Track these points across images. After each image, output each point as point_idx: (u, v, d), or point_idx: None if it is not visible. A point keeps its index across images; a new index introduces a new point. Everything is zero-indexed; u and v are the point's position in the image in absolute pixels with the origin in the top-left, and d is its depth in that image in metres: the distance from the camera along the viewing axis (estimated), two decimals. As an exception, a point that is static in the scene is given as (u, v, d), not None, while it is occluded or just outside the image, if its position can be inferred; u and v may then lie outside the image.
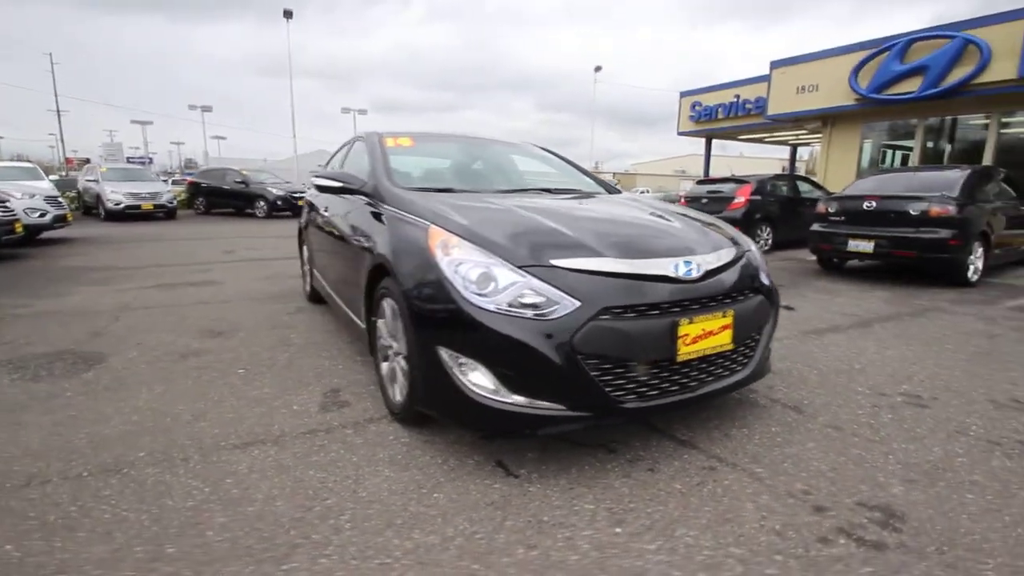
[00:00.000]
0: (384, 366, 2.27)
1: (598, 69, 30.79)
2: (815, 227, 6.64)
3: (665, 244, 1.88)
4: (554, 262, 1.68)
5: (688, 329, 1.70)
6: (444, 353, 1.68)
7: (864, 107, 11.65)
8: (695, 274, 1.80)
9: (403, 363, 2.01)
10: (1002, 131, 10.19)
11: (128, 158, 44.02)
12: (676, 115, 18.85)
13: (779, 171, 23.53)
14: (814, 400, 2.40)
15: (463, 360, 1.65)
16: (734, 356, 1.91)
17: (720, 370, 1.88)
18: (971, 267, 5.68)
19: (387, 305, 2.10)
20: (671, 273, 1.76)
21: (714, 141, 19.38)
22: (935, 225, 5.60)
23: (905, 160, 13.06)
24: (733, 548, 1.38)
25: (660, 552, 1.36)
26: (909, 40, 10.28)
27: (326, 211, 3.26)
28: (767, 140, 20.49)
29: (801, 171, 25.69)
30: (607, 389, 1.62)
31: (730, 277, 1.92)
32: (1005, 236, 6.23)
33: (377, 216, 2.40)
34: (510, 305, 1.60)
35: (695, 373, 1.80)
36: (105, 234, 9.74)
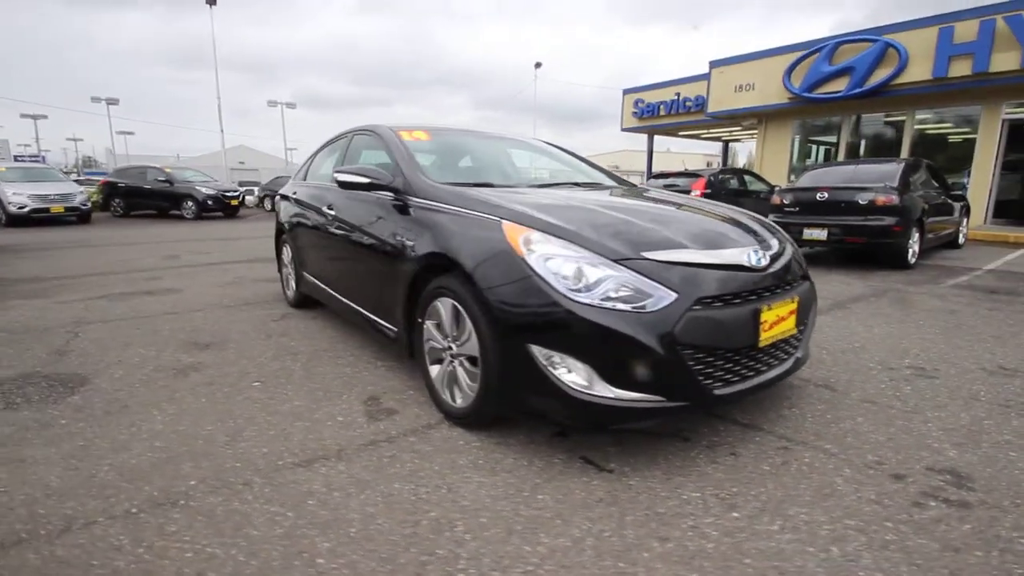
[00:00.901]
0: (435, 369, 2.19)
1: (538, 66, 31.17)
2: (772, 218, 7.12)
3: (733, 234, 1.95)
4: (645, 255, 1.68)
5: (767, 315, 1.77)
6: (537, 351, 1.64)
7: (796, 105, 12.62)
8: (764, 262, 1.88)
9: (467, 365, 1.95)
10: (916, 127, 11.41)
11: (16, 156, 39.16)
12: (609, 112, 19.63)
13: (703, 165, 25.02)
14: (839, 378, 2.58)
15: (559, 357, 1.62)
16: (793, 340, 2.02)
17: (783, 354, 1.97)
18: (910, 251, 6.32)
19: (443, 305, 2.02)
20: (746, 262, 1.82)
21: (645, 137, 20.22)
22: (881, 213, 6.18)
23: (828, 155, 14.31)
24: (847, 520, 1.46)
25: (785, 531, 1.42)
26: (837, 43, 11.25)
27: (329, 210, 3.07)
28: (704, 136, 21.67)
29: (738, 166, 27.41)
30: (699, 378, 1.66)
31: (788, 264, 2.02)
32: (933, 222, 6.99)
33: (410, 213, 2.31)
34: (608, 299, 1.59)
35: (767, 358, 1.88)
36: (14, 242, 8.62)
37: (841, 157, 12.73)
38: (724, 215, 2.22)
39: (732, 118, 14.92)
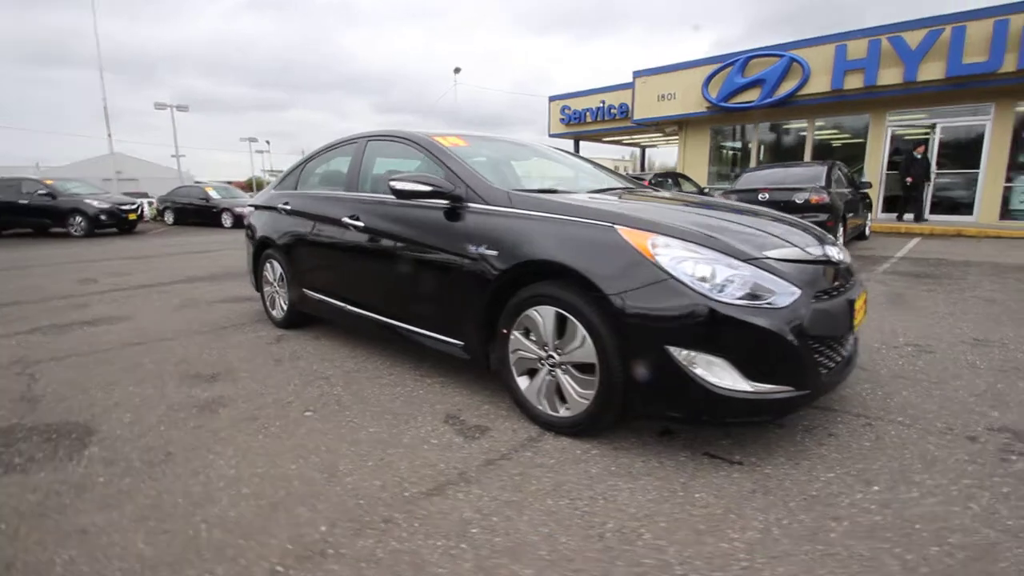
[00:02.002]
0: (524, 381, 2.15)
1: (457, 71, 31.23)
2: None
3: (811, 232, 2.13)
4: (766, 254, 1.80)
5: (857, 305, 1.96)
6: (676, 352, 1.68)
7: (714, 113, 13.80)
8: (840, 257, 2.08)
9: (575, 373, 1.94)
10: (815, 134, 12.96)
11: None
12: (520, 116, 20.66)
13: (611, 169, 26.59)
14: (860, 360, 2.89)
15: (699, 356, 1.67)
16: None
17: (853, 341, 2.19)
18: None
19: (540, 314, 2.00)
20: (833, 257, 2.00)
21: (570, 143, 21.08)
22: (815, 210, 6.96)
23: (735, 160, 15.80)
24: (965, 480, 1.66)
25: (926, 497, 1.58)
26: (748, 57, 12.48)
27: (353, 220, 2.88)
28: (626, 142, 22.98)
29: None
30: (818, 367, 1.79)
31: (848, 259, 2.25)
32: (851, 217, 7.99)
33: (475, 221, 2.25)
34: (744, 297, 1.67)
35: (850, 346, 2.07)
36: None
37: (752, 162, 14.11)
38: (777, 216, 2.41)
39: (656, 125, 15.98)
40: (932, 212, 11.00)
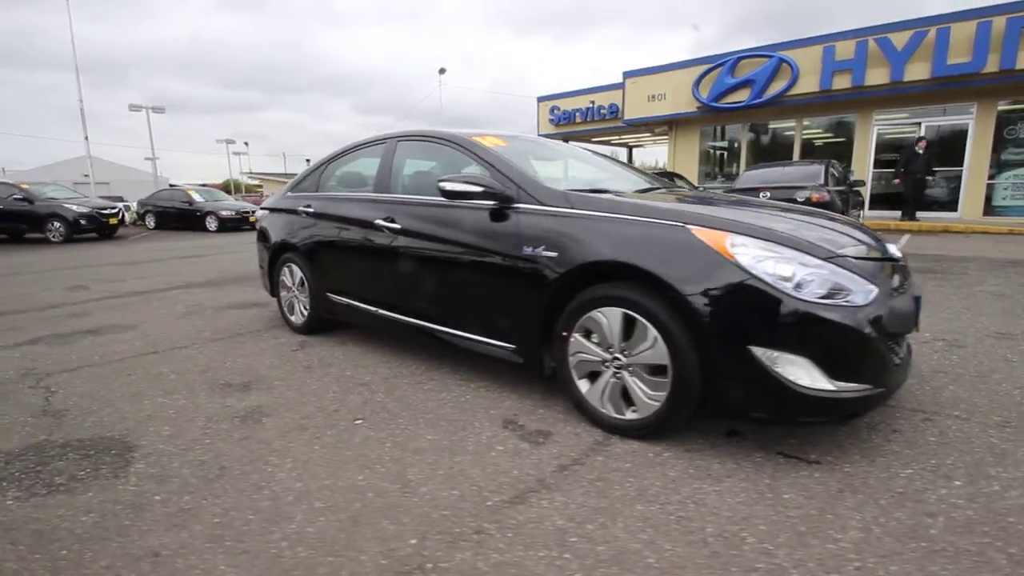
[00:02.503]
0: (584, 384, 2.12)
1: (442, 71, 31.08)
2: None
3: (868, 231, 2.15)
4: (842, 252, 1.80)
5: (920, 303, 1.98)
6: (759, 352, 1.67)
7: (705, 113, 13.98)
8: (899, 254, 2.10)
9: (644, 375, 1.92)
10: (803, 133, 13.22)
11: None
12: (501, 116, 20.66)
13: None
14: (896, 354, 2.93)
15: (782, 355, 1.67)
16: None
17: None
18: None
19: (606, 316, 1.97)
20: (895, 255, 2.02)
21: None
22: (817, 207, 7.09)
23: (721, 158, 16.04)
24: (1045, 474, 1.68)
25: (1008, 490, 1.60)
26: (738, 58, 12.67)
27: (389, 223, 2.81)
28: (614, 142, 23.13)
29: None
30: (892, 365, 1.80)
31: (901, 255, 2.27)
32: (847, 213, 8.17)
33: (528, 223, 2.22)
34: (827, 296, 1.67)
35: (906, 344, 2.09)
36: None
37: (743, 161, 14.34)
38: (829, 215, 2.43)
39: (647, 125, 16.13)
40: (906, 204, 11.25)
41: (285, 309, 3.85)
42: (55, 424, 2.32)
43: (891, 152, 11.91)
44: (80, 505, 1.68)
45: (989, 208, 10.69)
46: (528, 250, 2.18)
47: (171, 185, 23.05)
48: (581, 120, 18.26)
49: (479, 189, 2.28)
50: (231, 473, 1.85)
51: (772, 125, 13.83)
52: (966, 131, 10.74)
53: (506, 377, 2.69)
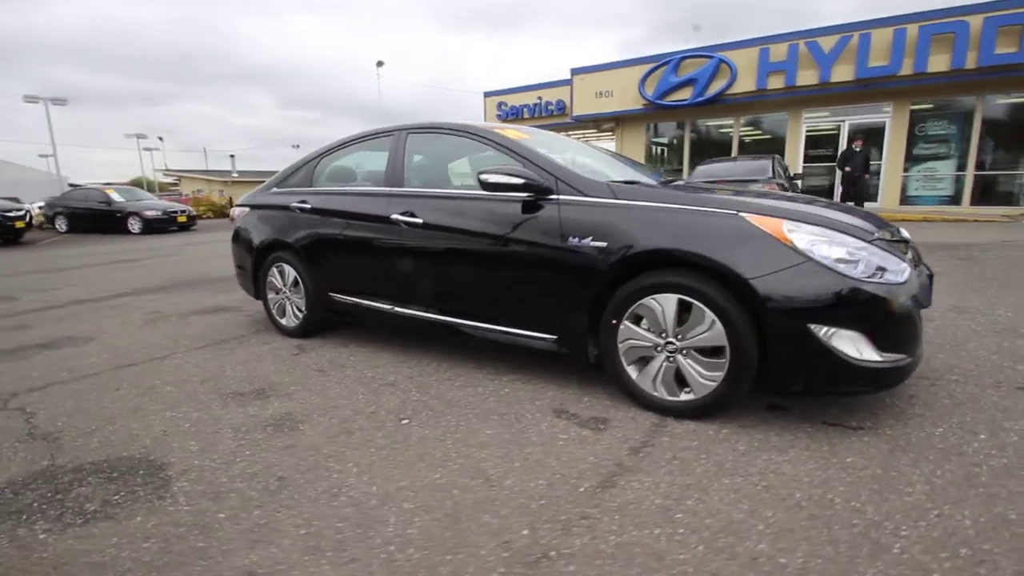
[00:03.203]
0: (631, 369, 2.19)
1: (380, 64, 30.27)
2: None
3: (877, 217, 2.36)
4: (877, 235, 1.97)
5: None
6: (817, 329, 1.81)
7: (650, 111, 14.56)
8: (909, 236, 2.32)
9: (699, 357, 2.01)
10: (741, 131, 14.10)
11: None
12: (431, 111, 20.49)
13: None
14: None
15: (838, 331, 1.81)
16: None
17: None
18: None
19: (660, 302, 2.04)
20: (906, 237, 2.24)
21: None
22: (768, 200, 7.61)
23: (662, 154, 16.81)
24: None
25: (1030, 441, 1.83)
26: (681, 57, 13.29)
27: (408, 217, 2.73)
28: (559, 137, 23.49)
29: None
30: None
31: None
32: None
33: (567, 214, 2.25)
34: (870, 276, 1.83)
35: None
36: None
37: (685, 157, 15.07)
38: (834, 203, 2.64)
39: (595, 121, 16.55)
40: (842, 200, 12.40)
41: (274, 312, 3.64)
42: (53, 448, 2.09)
43: (818, 148, 12.98)
44: (133, 532, 1.54)
45: (904, 198, 11.92)
46: (574, 241, 2.21)
47: (71, 185, 20.84)
48: (529, 116, 18.44)
49: (520, 181, 2.28)
50: (293, 483, 1.76)
51: (713, 122, 14.63)
52: (883, 128, 11.90)
53: (535, 369, 2.71)
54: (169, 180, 51.65)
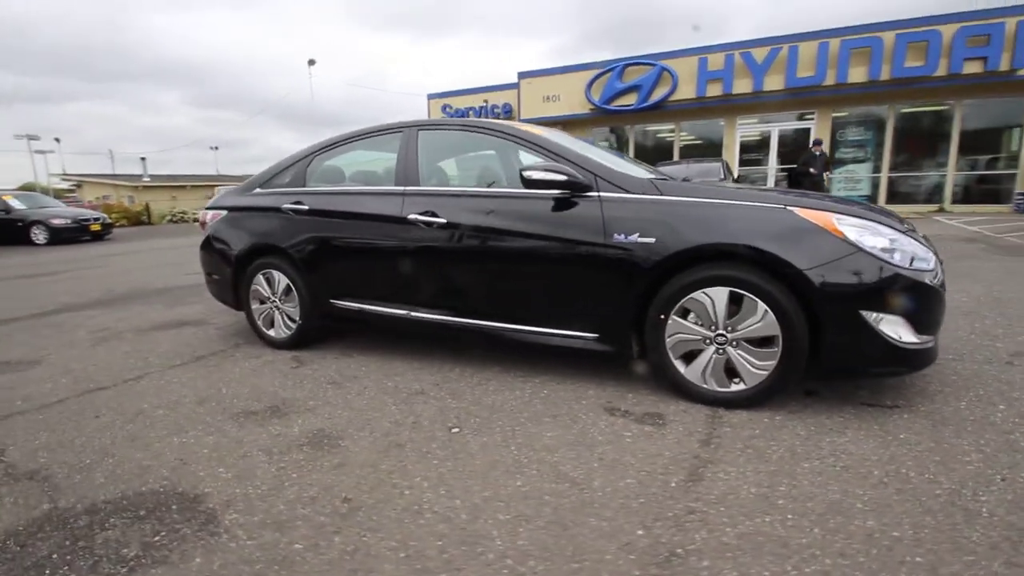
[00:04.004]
0: (678, 364, 2.22)
1: (312, 63, 29.06)
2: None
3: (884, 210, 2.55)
4: (903, 227, 2.12)
5: (937, 265, 2.42)
6: (867, 314, 1.92)
7: (597, 115, 14.98)
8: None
9: (749, 347, 2.07)
10: (681, 136, 14.84)
11: None
12: (356, 114, 20.20)
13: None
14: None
15: (884, 316, 1.93)
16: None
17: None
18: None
19: (710, 295, 2.09)
20: (915, 229, 2.44)
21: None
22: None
23: None
24: (1047, 392, 2.17)
25: (1042, 408, 2.04)
26: (625, 64, 13.79)
27: (428, 217, 2.61)
28: (503, 141, 23.63)
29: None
30: (940, 319, 2.18)
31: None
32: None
33: (610, 211, 2.26)
34: (909, 264, 1.97)
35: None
36: None
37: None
38: (849, 201, 2.82)
39: (542, 125, 16.76)
40: None
41: (260, 323, 3.37)
42: (47, 488, 1.81)
43: (750, 153, 13.92)
44: (199, 574, 1.35)
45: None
46: (619, 237, 2.21)
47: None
48: (475, 118, 18.40)
49: (564, 179, 2.26)
50: (364, 504, 1.62)
51: (655, 127, 15.29)
52: (808, 134, 12.96)
53: (565, 369, 2.69)
54: (66, 186, 46.60)
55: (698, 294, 2.12)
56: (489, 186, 2.82)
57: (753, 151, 13.98)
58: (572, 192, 2.34)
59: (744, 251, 2.02)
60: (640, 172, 2.61)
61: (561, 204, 2.37)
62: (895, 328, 1.95)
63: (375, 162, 3.15)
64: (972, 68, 10.19)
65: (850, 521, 1.43)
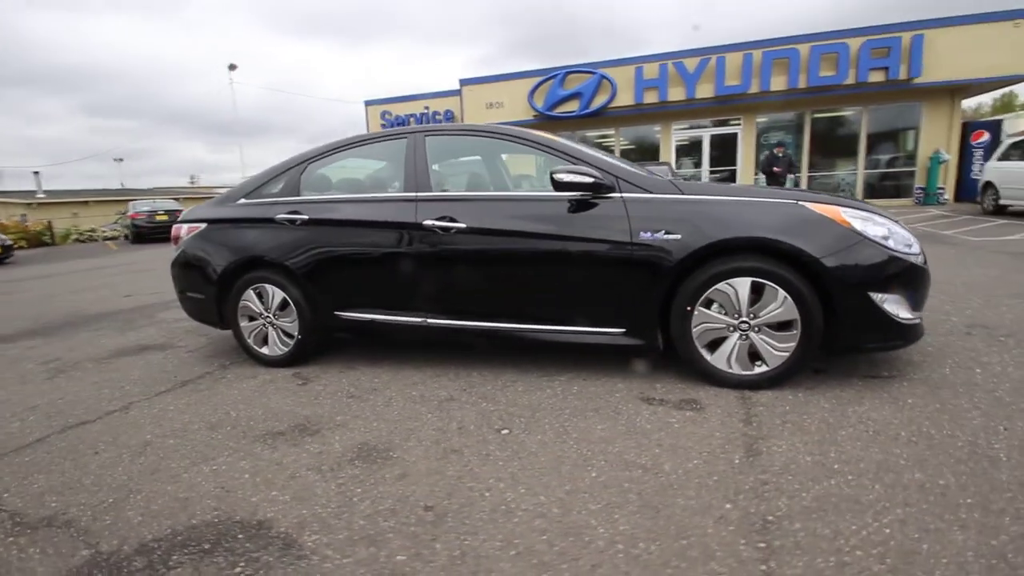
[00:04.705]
0: (704, 352, 2.38)
1: (233, 68, 27.55)
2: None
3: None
4: (888, 216, 2.39)
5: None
6: (875, 296, 2.15)
7: (540, 122, 15.30)
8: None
9: (771, 332, 2.26)
10: (620, 141, 15.50)
11: None
12: (272, 122, 19.49)
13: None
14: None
15: (887, 296, 2.17)
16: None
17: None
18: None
19: (734, 286, 2.25)
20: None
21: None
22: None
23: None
24: (1002, 353, 2.52)
25: (1007, 367, 2.37)
26: (566, 72, 14.23)
27: (446, 222, 2.61)
28: (443, 148, 23.53)
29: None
30: (919, 298, 2.48)
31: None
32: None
33: (634, 210, 2.39)
34: (903, 249, 2.23)
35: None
36: None
37: (573, 164, 16.10)
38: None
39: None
40: None
41: (251, 341, 3.19)
42: (78, 533, 1.65)
43: (685, 157, 14.82)
44: (302, 596, 1.30)
45: (757, 197, 14.07)
46: (646, 235, 2.34)
47: None
48: (416, 125, 18.23)
49: (591, 180, 2.36)
50: (448, 510, 1.62)
51: (596, 133, 15.87)
52: (735, 139, 13.99)
53: (585, 365, 2.77)
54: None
55: (722, 285, 2.28)
56: (511, 189, 2.87)
57: (689, 154, 14.87)
58: (596, 193, 2.44)
59: (767, 244, 2.21)
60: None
61: (584, 205, 2.47)
62: (896, 307, 2.20)
63: (377, 168, 3.10)
64: (876, 77, 11.47)
65: (900, 476, 1.61)
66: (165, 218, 16.53)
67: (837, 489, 1.57)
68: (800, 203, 2.27)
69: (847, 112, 13.12)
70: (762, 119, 13.78)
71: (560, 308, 2.58)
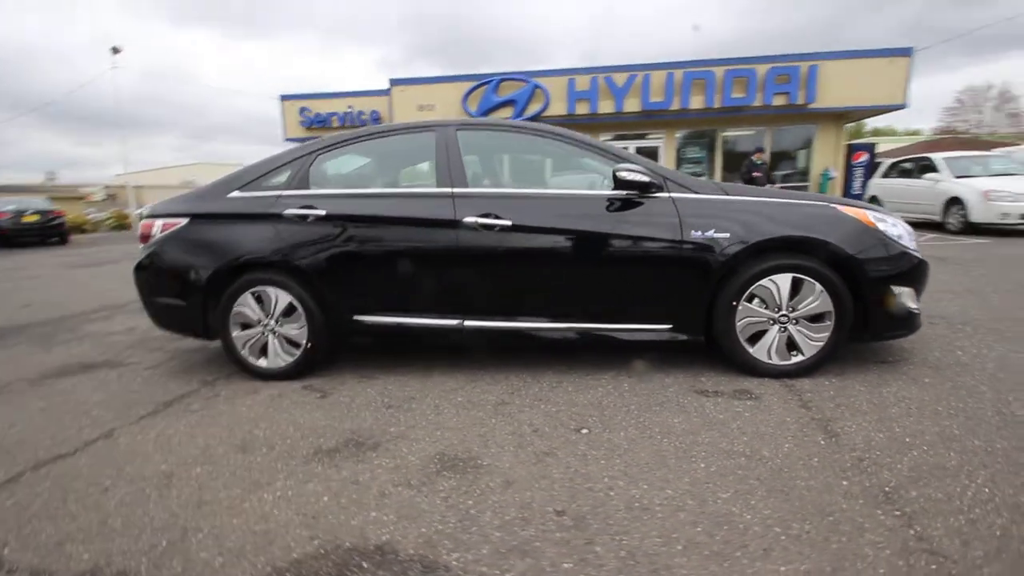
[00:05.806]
0: (746, 344, 2.53)
1: (116, 51, 24.49)
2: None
3: None
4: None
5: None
6: (896, 289, 2.43)
7: (472, 126, 15.33)
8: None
9: (808, 323, 2.47)
10: (552, 149, 15.93)
11: None
12: (149, 117, 18.23)
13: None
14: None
15: (903, 289, 2.46)
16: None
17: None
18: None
19: (777, 281, 2.43)
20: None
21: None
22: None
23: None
24: (998, 344, 2.95)
25: (1011, 354, 2.78)
26: (500, 79, 14.39)
27: (489, 219, 2.53)
28: (363, 150, 22.66)
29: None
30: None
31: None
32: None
33: (682, 208, 2.50)
34: (913, 246, 2.54)
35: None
36: None
37: (506, 173, 16.30)
38: None
39: (413, 134, 16.54)
40: None
41: (246, 352, 2.87)
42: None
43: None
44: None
45: (677, 207, 15.17)
46: (696, 234, 2.45)
47: None
48: (339, 124, 17.37)
49: (647, 179, 2.43)
50: (581, 513, 1.57)
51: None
52: (657, 151, 15.00)
53: (618, 362, 2.81)
54: None
55: (765, 281, 2.45)
56: (558, 186, 2.87)
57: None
58: (646, 192, 2.52)
59: (812, 242, 2.41)
60: None
61: (632, 204, 2.53)
62: (910, 298, 2.50)
63: (398, 162, 2.93)
64: (779, 100, 12.89)
65: (962, 443, 1.84)
66: (36, 219, 14.27)
67: (922, 459, 1.75)
68: (831, 205, 2.51)
69: (754, 131, 14.60)
70: (679, 134, 14.91)
71: (609, 305, 2.61)
